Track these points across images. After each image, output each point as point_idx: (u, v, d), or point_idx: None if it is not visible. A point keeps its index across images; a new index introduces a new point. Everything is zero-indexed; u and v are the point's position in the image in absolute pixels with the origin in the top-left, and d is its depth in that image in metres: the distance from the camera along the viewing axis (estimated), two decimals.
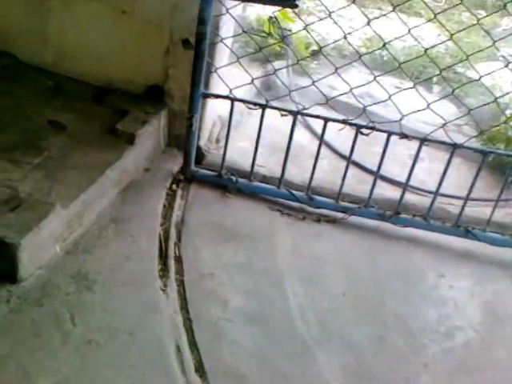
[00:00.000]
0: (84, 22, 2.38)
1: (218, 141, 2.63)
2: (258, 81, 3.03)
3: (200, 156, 2.45)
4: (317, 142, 2.72)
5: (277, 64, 3.15)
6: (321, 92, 2.24)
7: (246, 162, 2.46)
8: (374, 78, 2.14)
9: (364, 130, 2.19)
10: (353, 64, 3.32)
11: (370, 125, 2.18)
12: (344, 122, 2.18)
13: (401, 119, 2.16)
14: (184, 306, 1.87)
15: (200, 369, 1.70)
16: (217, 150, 2.55)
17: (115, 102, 2.40)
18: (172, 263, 2.00)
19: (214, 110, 2.53)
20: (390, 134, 2.19)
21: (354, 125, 2.19)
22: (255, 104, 2.21)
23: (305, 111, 2.25)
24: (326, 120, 2.20)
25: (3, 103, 2.30)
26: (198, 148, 2.44)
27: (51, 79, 2.47)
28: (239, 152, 2.59)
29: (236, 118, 2.71)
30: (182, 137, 2.37)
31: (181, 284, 1.94)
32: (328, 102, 2.21)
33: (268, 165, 2.53)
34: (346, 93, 2.24)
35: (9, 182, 1.94)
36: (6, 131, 2.16)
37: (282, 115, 2.19)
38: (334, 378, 1.76)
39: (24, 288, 1.78)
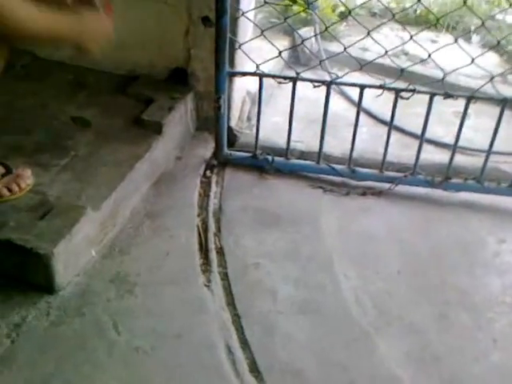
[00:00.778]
0: None
1: (249, 119, 2.48)
2: (286, 51, 2.90)
3: (232, 138, 2.31)
4: (354, 110, 2.56)
5: (304, 31, 2.97)
6: (354, 58, 2.05)
7: (281, 138, 2.31)
8: (411, 37, 1.94)
9: (404, 94, 2.00)
10: (383, 20, 3.12)
11: (410, 87, 1.99)
12: (381, 87, 1.99)
13: (443, 78, 1.97)
14: (231, 302, 1.75)
15: (254, 368, 1.58)
16: (249, 129, 2.40)
17: (139, 91, 2.27)
18: (214, 256, 1.88)
19: (243, 87, 2.38)
20: (432, 95, 2.01)
21: (393, 89, 2.01)
22: (285, 78, 2.04)
23: (338, 80, 2.06)
24: (362, 87, 2.03)
25: (26, 104, 2.20)
26: (230, 129, 2.30)
27: (71, 73, 2.35)
28: (273, 128, 2.44)
29: (266, 93, 2.56)
30: (211, 119, 2.23)
31: (225, 277, 1.82)
32: (362, 67, 2.02)
33: (305, 139, 2.37)
34: (380, 56, 2.06)
35: (37, 187, 1.84)
36: (32, 133, 2.06)
37: (315, 86, 2.01)
38: (397, 364, 1.62)
39: (63, 298, 1.69)
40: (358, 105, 2.06)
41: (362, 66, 2.03)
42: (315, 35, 2.91)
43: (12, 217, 1.69)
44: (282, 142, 2.28)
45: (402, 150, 2.38)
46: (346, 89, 2.73)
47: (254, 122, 2.42)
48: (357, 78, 2.22)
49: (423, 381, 1.59)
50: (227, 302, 1.75)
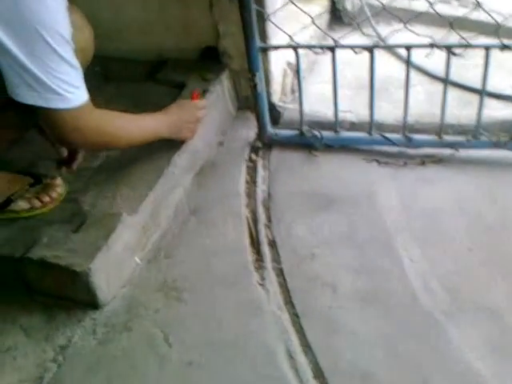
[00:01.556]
0: None
1: (293, 91, 2.29)
2: (325, 10, 2.67)
3: (276, 115, 2.14)
4: (404, 67, 2.34)
5: None
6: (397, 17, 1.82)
7: (328, 109, 2.11)
8: None
9: (456, 50, 1.77)
10: None
11: (462, 42, 1.75)
12: (431, 45, 1.76)
13: (499, 26, 1.72)
14: (288, 300, 1.60)
15: (318, 373, 1.44)
16: (294, 103, 2.21)
17: (169, 76, 2.12)
18: (266, 250, 1.73)
19: (282, 58, 2.18)
20: (488, 47, 1.76)
21: (443, 46, 1.77)
22: (321, 47, 1.84)
23: (381, 43, 1.84)
24: (408, 47, 1.80)
25: None
26: (272, 106, 2.12)
27: (98, 64, 2.20)
28: (319, 98, 2.24)
29: (309, 59, 2.37)
30: (251, 97, 2.06)
31: (280, 273, 1.67)
32: (406, 24, 1.78)
33: (355, 108, 2.16)
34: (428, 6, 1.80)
35: (70, 195, 1.73)
36: None
37: (356, 53, 1.80)
38: (476, 356, 1.44)
39: (109, 313, 1.58)
40: (407, 66, 1.84)
41: (406, 23, 1.79)
42: None
43: (45, 231, 1.59)
44: (330, 113, 2.09)
45: (462, 109, 2.14)
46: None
47: (298, 94, 2.22)
48: (405, 32, 1.98)
49: (508, 374, 1.41)
50: (284, 301, 1.60)
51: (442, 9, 2.70)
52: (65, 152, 1.71)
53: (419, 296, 1.58)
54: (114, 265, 1.58)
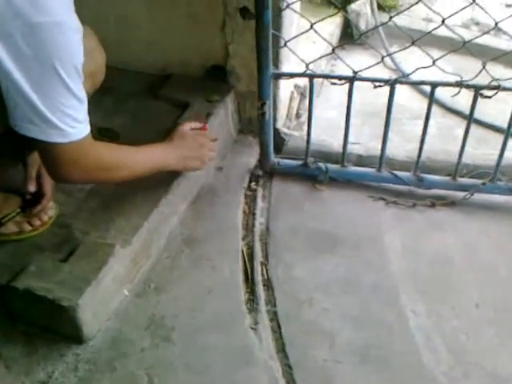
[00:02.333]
0: (121, 2, 2.06)
1: (298, 115, 2.29)
2: (338, 28, 2.66)
3: (279, 142, 2.12)
4: (421, 99, 2.34)
5: (359, 3, 2.71)
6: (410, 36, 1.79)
7: (335, 139, 2.10)
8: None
9: (486, 92, 1.75)
10: None
11: (493, 83, 1.73)
12: (458, 84, 1.74)
13: None
14: (281, 349, 1.58)
15: None
16: (299, 130, 2.20)
17: (172, 93, 2.09)
18: (261, 291, 1.72)
19: (290, 82, 2.16)
20: None
21: (472, 86, 1.75)
22: (340, 78, 1.82)
23: (403, 79, 1.83)
24: (434, 85, 1.78)
25: None
26: (276, 132, 2.10)
27: None
28: (326, 126, 2.23)
29: (316, 81, 2.35)
30: (255, 120, 2.05)
31: (274, 318, 1.66)
32: (414, 43, 1.74)
33: (363, 139, 2.16)
34: (438, 26, 1.75)
35: (62, 219, 1.70)
36: None
37: (376, 87, 1.78)
38: None
39: (93, 348, 1.56)
40: (429, 106, 1.82)
41: (414, 41, 1.72)
42: (371, 8, 2.65)
43: (33, 258, 1.56)
44: (336, 144, 2.08)
45: (477, 147, 2.13)
46: (408, 69, 2.46)
47: (303, 118, 2.22)
48: (419, 56, 1.94)
49: None
50: (277, 349, 1.59)
51: (461, 34, 2.70)
52: (31, 188, 1.67)
53: (421, 355, 1.56)
54: (102, 298, 1.56)
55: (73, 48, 1.25)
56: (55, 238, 1.64)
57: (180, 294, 1.70)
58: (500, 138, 2.12)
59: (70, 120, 1.31)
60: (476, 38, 1.82)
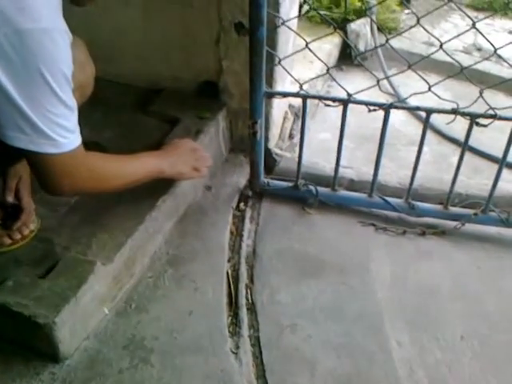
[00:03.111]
0: (114, 14, 2.12)
1: (291, 136, 2.34)
2: (336, 48, 2.73)
3: (270, 162, 2.17)
4: (416, 124, 2.40)
5: (359, 24, 2.78)
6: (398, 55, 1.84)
7: (327, 162, 2.16)
8: (473, 24, 1.67)
9: (482, 120, 1.80)
10: (454, 7, 2.90)
11: (490, 112, 1.79)
12: (454, 111, 1.79)
13: None
14: (261, 375, 1.63)
15: None
16: (291, 151, 2.26)
17: (162, 108, 2.15)
18: (244, 314, 1.76)
19: (284, 101, 2.22)
20: None
21: (468, 114, 1.81)
22: (334, 100, 1.87)
23: (398, 103, 1.89)
24: (429, 112, 1.84)
25: None
26: (268, 152, 2.16)
27: None
28: (319, 148, 2.30)
29: (312, 102, 2.41)
30: (247, 139, 2.09)
31: (256, 343, 1.70)
32: (411, 67, 1.80)
33: (355, 163, 2.21)
34: (436, 50, 1.78)
35: (43, 233, 1.75)
36: None
37: (370, 110, 1.84)
38: None
39: (69, 367, 1.60)
40: (423, 133, 1.87)
41: (411, 65, 1.76)
42: (371, 29, 2.72)
43: (11, 273, 1.61)
44: (328, 167, 2.13)
45: (471, 176, 2.20)
46: (404, 93, 2.52)
47: (296, 139, 2.27)
48: (418, 80, 2.00)
49: None
50: (257, 375, 1.63)
51: (462, 59, 2.76)
52: (9, 199, 1.71)
53: None
54: (81, 317, 1.60)
55: (61, 54, 1.29)
56: (35, 252, 1.68)
57: (161, 314, 1.74)
58: (494, 167, 2.19)
59: (61, 130, 1.35)
60: (475, 63, 1.87)
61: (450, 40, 1.76)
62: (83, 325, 1.64)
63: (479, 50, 2.82)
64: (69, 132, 1.37)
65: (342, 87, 1.87)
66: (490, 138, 2.09)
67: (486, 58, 2.03)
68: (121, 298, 1.76)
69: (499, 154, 2.18)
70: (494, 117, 1.79)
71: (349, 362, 1.66)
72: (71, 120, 1.38)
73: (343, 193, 2.07)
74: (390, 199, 2.03)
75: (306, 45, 1.82)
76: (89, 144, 1.96)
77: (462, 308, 1.80)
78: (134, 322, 1.71)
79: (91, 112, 2.11)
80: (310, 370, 1.64)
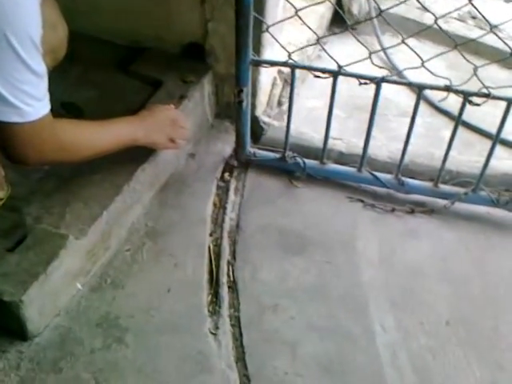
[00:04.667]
0: None
1: (280, 103, 2.20)
2: (329, 10, 2.57)
3: (258, 131, 2.05)
4: (409, 94, 2.28)
5: None
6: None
7: (316, 133, 2.04)
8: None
9: (475, 99, 1.69)
10: None
11: (483, 91, 1.67)
12: (447, 89, 1.68)
13: None
14: (240, 357, 1.54)
15: None
16: (279, 119, 2.12)
17: (144, 69, 2.00)
18: (225, 293, 1.67)
19: (272, 67, 2.07)
20: (510, 101, 1.69)
21: (461, 92, 1.70)
22: (323, 71, 1.74)
23: (391, 77, 1.76)
24: (421, 88, 1.72)
25: None
26: (255, 120, 2.03)
27: None
28: (308, 117, 2.16)
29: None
30: (233, 105, 1.96)
31: (236, 323, 1.61)
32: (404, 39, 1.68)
33: (346, 134, 2.09)
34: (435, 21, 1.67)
35: (13, 201, 1.62)
36: None
37: (361, 83, 1.71)
38: None
39: (38, 346, 1.50)
40: (415, 108, 1.76)
41: (404, 39, 1.65)
42: None
43: None
44: (317, 138, 2.01)
45: (462, 151, 2.08)
46: (397, 62, 2.39)
47: (285, 107, 2.14)
48: (413, 46, 1.87)
49: None
50: (236, 358, 1.55)
51: (456, 27, 2.63)
52: None
53: (385, 372, 1.54)
54: (51, 293, 1.50)
55: (28, 16, 1.18)
56: (3, 223, 1.56)
57: (138, 291, 1.64)
58: (486, 142, 2.09)
59: (25, 97, 1.24)
60: (471, 40, 1.77)
61: (446, 14, 1.67)
62: (54, 301, 1.54)
63: (474, 18, 2.67)
64: (35, 100, 1.25)
65: (333, 58, 1.74)
66: (482, 112, 1.96)
67: (485, 32, 1.89)
68: (95, 272, 1.66)
69: (491, 128, 2.09)
70: (488, 96, 1.69)
71: (331, 346, 1.58)
72: (39, 87, 1.26)
73: (332, 166, 1.96)
74: (379, 175, 1.92)
75: (296, 12, 1.69)
76: (64, 104, 1.85)
77: (447, 291, 1.72)
78: (109, 299, 1.61)
79: (67, 69, 1.97)
80: (291, 353, 1.56)
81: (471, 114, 2.08)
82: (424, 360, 1.57)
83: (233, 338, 1.58)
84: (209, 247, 1.77)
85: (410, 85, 1.85)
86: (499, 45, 2.44)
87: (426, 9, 1.66)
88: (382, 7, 1.69)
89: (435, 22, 1.60)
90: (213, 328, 1.59)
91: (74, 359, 1.49)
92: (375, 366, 1.55)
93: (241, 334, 1.59)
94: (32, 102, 1.25)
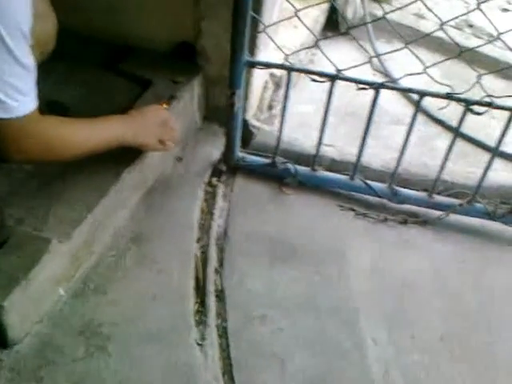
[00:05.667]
0: None
1: (270, 107, 2.19)
2: (323, 14, 2.56)
3: (247, 135, 2.02)
4: (403, 102, 2.27)
5: None
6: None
7: (308, 139, 2.02)
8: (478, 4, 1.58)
9: (477, 108, 1.68)
10: None
11: (486, 100, 1.66)
12: (448, 96, 1.67)
13: None
14: (228, 370, 1.51)
15: None
16: (269, 123, 2.10)
17: (133, 68, 1.96)
18: (212, 302, 1.63)
19: (264, 70, 2.05)
20: None
21: (463, 100, 1.68)
22: (321, 75, 1.72)
23: (390, 83, 1.75)
24: (422, 95, 1.71)
25: None
26: (245, 123, 2.00)
27: None
28: (299, 122, 2.14)
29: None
30: (223, 108, 1.93)
31: (223, 334, 1.58)
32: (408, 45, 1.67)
33: (337, 141, 2.07)
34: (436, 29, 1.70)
35: None
36: None
37: (359, 89, 1.70)
38: None
39: (18, 354, 1.45)
40: (414, 116, 1.74)
41: (407, 44, 1.66)
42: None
43: None
44: (308, 144, 1.99)
45: (456, 161, 2.06)
46: (391, 68, 2.38)
47: (276, 111, 2.12)
48: (406, 54, 1.86)
49: None
50: (223, 371, 1.51)
51: (453, 35, 2.62)
52: None
53: None
54: (33, 298, 1.45)
55: (17, 6, 1.15)
56: None
57: (122, 298, 1.60)
58: (481, 153, 2.09)
59: (13, 91, 1.20)
60: (474, 47, 1.77)
61: (450, 20, 1.66)
62: (35, 307, 1.49)
63: (471, 26, 2.68)
64: (22, 94, 1.21)
65: (332, 62, 1.73)
66: (477, 123, 1.96)
67: (488, 43, 1.90)
68: (79, 277, 1.61)
69: (486, 139, 2.09)
70: (490, 105, 1.67)
71: (321, 360, 1.55)
72: (26, 81, 1.22)
73: (323, 173, 1.94)
74: (372, 183, 1.91)
75: (296, 13, 1.67)
76: (50, 103, 1.80)
77: (441, 306, 1.71)
78: (92, 305, 1.57)
79: (54, 66, 1.92)
80: (280, 366, 1.53)
81: (465, 124, 2.07)
82: (416, 376, 1.55)
83: (220, 349, 1.55)
84: (195, 255, 1.73)
85: (409, 92, 1.83)
86: (496, 54, 2.46)
87: (434, 14, 1.63)
88: (378, 12, 1.69)
89: (441, 26, 1.61)
90: (199, 338, 1.55)
91: (55, 368, 1.44)
92: (366, 382, 1.52)
93: (228, 346, 1.55)
94: (18, 96, 1.22)
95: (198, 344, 1.54)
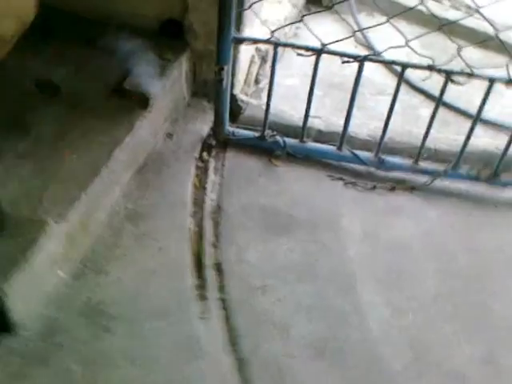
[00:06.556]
0: None
1: (257, 81, 2.10)
2: None
3: (236, 109, 1.94)
4: (386, 73, 2.21)
5: None
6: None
7: (295, 111, 1.94)
8: None
9: (457, 78, 1.63)
10: None
11: (466, 71, 1.61)
12: (430, 68, 1.62)
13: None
14: (233, 341, 1.45)
15: None
16: (257, 97, 2.02)
17: (122, 46, 1.86)
18: (211, 275, 1.57)
19: (250, 45, 1.96)
20: (493, 80, 1.64)
21: (444, 71, 1.63)
22: (307, 49, 1.65)
23: (374, 56, 1.69)
24: (405, 67, 1.65)
25: None
26: (233, 98, 1.92)
27: (39, 14, 1.90)
28: (286, 95, 2.06)
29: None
30: (211, 83, 1.85)
31: (225, 306, 1.51)
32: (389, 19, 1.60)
33: (324, 112, 2.00)
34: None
35: None
36: None
37: (344, 62, 1.63)
38: None
39: (23, 339, 1.37)
40: (397, 87, 1.68)
41: (389, 18, 1.61)
42: None
43: None
44: (296, 116, 1.92)
45: (439, 129, 2.00)
46: (375, 41, 2.30)
47: (263, 85, 2.04)
48: (387, 26, 1.78)
49: None
50: (228, 341, 1.45)
51: (431, 7, 2.55)
52: None
53: (379, 351, 1.47)
54: (33, 282, 1.37)
55: None
56: None
57: (121, 276, 1.53)
58: (463, 120, 2.04)
59: None
60: (455, 21, 1.79)
61: None
62: (37, 291, 1.42)
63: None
64: None
65: (317, 37, 1.66)
66: (457, 90, 1.90)
67: (470, 15, 1.85)
68: (77, 258, 1.53)
69: (467, 106, 2.03)
70: (471, 75, 1.63)
71: (322, 326, 1.51)
72: None
73: (312, 145, 1.87)
74: (359, 153, 1.85)
75: None
76: (41, 83, 1.70)
77: (433, 265, 1.68)
78: (92, 285, 1.50)
79: (42, 46, 1.82)
80: (282, 334, 1.48)
81: (446, 93, 2.02)
82: (414, 336, 1.51)
83: (223, 321, 1.49)
84: (190, 230, 1.66)
85: (393, 64, 1.77)
86: (473, 24, 2.40)
87: None
88: None
89: (421, 1, 1.55)
90: (201, 312, 1.49)
91: (60, 351, 1.37)
92: (368, 343, 1.49)
93: (230, 317, 1.49)
94: None
95: (201, 318, 1.48)
